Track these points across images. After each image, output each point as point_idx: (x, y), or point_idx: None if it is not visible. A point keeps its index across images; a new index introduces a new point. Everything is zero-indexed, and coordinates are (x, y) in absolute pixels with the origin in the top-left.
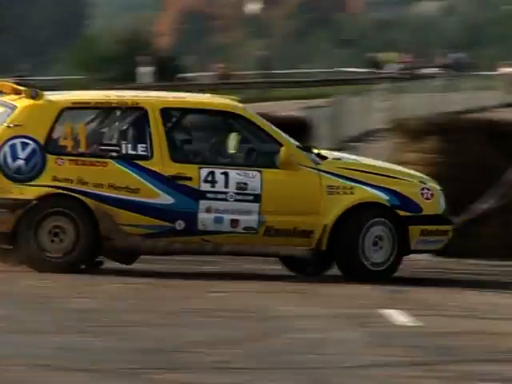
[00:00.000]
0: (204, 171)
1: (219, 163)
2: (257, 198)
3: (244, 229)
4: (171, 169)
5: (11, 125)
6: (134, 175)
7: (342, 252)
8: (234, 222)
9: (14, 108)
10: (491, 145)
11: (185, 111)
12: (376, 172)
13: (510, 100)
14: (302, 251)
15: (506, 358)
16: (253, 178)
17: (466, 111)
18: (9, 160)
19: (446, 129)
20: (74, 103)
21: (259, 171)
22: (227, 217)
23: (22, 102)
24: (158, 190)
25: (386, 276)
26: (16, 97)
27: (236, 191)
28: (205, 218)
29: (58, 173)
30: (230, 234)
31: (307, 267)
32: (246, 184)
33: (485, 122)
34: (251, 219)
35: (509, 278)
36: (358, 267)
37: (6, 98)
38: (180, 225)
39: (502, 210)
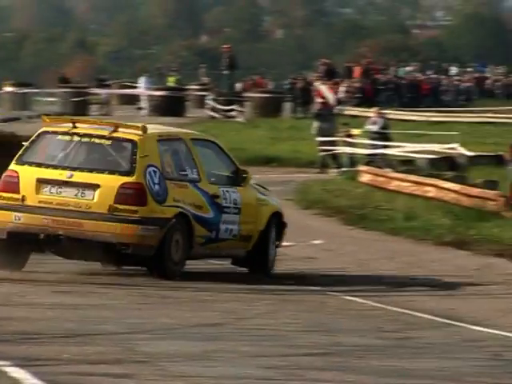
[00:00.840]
0: (221, 190)
1: (222, 183)
2: (239, 211)
3: (233, 236)
4: (210, 189)
5: (142, 155)
6: (200, 195)
7: (260, 252)
8: (230, 231)
9: (131, 142)
10: None
11: (198, 141)
12: (261, 186)
13: (10, 116)
14: (243, 252)
15: (11, 339)
16: (237, 195)
17: None
18: (151, 185)
19: None
20: (159, 136)
21: (236, 189)
22: (229, 227)
23: (136, 136)
24: (209, 207)
25: (271, 270)
26: (109, 131)
27: (233, 205)
28: (222, 229)
29: (174, 194)
30: (227, 240)
31: (237, 264)
32: (236, 200)
33: None
34: (236, 228)
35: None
36: (263, 265)
37: (105, 132)
38: (213, 234)
39: None
